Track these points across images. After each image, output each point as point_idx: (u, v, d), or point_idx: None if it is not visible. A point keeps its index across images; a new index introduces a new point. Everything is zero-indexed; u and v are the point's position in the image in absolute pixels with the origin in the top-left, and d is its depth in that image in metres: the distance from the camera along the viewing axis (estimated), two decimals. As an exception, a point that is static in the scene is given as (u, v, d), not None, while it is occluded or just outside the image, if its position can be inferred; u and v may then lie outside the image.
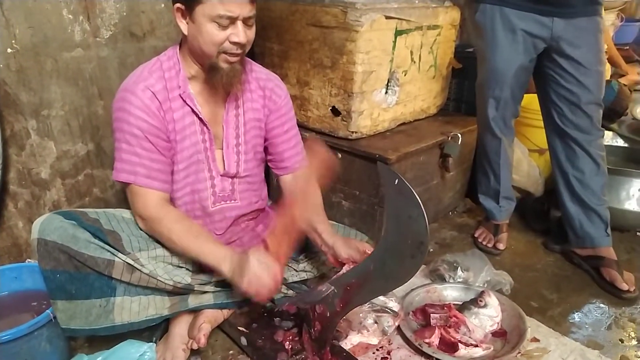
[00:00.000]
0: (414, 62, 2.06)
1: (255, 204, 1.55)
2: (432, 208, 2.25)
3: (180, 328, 1.41)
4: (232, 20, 1.18)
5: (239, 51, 1.24)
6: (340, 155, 1.96)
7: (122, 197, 1.92)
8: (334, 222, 1.64)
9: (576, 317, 1.68)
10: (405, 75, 2.04)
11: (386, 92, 1.99)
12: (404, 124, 2.18)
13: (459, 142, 2.08)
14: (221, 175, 1.43)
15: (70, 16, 1.62)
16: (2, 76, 1.53)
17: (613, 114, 2.58)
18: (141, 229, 1.33)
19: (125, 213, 1.38)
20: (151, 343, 1.36)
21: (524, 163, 2.42)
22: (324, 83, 1.93)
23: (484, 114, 1.97)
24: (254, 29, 1.26)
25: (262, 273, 1.17)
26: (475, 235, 2.16)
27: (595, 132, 1.86)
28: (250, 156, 1.47)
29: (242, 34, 1.20)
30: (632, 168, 2.27)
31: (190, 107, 1.32)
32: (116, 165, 1.30)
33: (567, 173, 1.92)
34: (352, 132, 1.93)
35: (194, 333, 1.43)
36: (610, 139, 2.69)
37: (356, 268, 1.17)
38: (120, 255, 1.22)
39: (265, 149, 1.54)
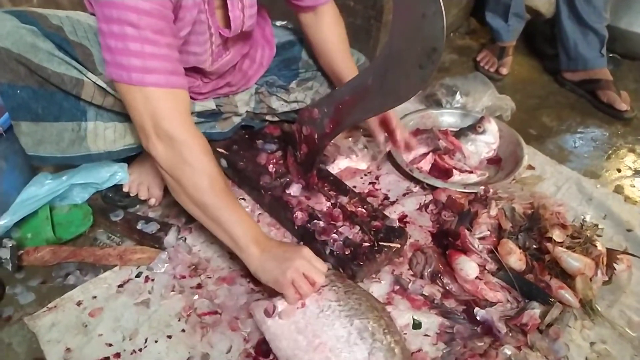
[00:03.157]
0: None
1: (245, 47, 1.28)
2: (433, 27, 2.01)
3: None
4: None
5: None
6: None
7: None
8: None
9: (576, 146, 1.60)
10: None
11: None
12: None
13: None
14: (220, 34, 1.12)
15: None
16: None
17: None
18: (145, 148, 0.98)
19: (92, 20, 1.05)
20: (122, 163, 1.25)
21: (540, -23, 2.13)
22: None
23: None
24: None
25: (310, 272, 0.93)
26: (478, 58, 1.99)
27: None
28: (253, 10, 1.15)
29: None
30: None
31: None
32: (119, 59, 0.89)
33: None
34: None
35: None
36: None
37: (351, 83, 1.01)
38: (90, 75, 1.01)
39: None
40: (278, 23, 1.65)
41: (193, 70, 1.18)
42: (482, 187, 1.26)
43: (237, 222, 0.97)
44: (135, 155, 1.31)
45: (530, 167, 1.45)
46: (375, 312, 0.93)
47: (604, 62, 1.80)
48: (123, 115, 1.11)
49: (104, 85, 1.03)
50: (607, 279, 1.09)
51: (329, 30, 1.28)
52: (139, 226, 1.16)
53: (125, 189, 1.26)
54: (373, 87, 0.92)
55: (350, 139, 1.48)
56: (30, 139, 1.03)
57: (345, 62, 1.31)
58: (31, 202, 1.12)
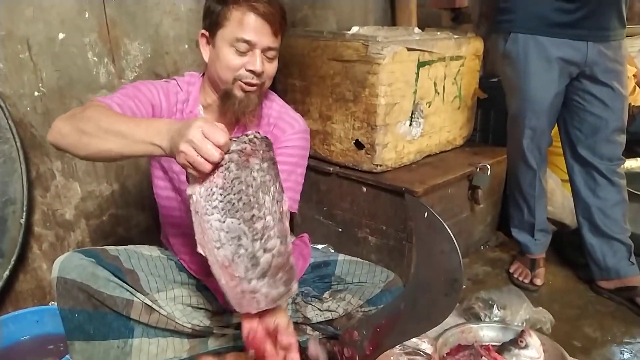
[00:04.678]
0: (438, 93, 2.02)
1: None
2: (463, 242, 2.16)
3: (205, 373, 1.35)
4: (251, 47, 1.16)
5: (255, 81, 1.19)
6: (365, 190, 1.91)
7: (146, 237, 1.91)
8: (359, 259, 1.59)
9: (624, 357, 1.55)
10: (429, 106, 2.00)
11: (410, 124, 1.95)
12: (429, 156, 2.13)
13: (489, 173, 2.01)
14: None
15: (95, 59, 1.65)
16: (28, 119, 1.56)
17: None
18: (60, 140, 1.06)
19: (145, 249, 1.33)
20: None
21: (558, 194, 2.32)
22: (346, 117, 1.91)
23: (518, 145, 1.91)
24: (275, 64, 1.24)
25: (204, 136, 0.84)
26: (511, 270, 2.06)
27: (617, 159, 1.83)
28: None
29: (258, 63, 1.17)
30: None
31: None
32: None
33: (588, 203, 1.86)
34: (377, 165, 1.89)
35: (219, 377, 1.38)
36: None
37: (386, 308, 1.10)
38: (139, 295, 1.19)
39: None
40: (319, 246, 1.85)
41: None
42: (533, 408, 1.22)
43: (141, 130, 0.95)
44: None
45: (582, 384, 1.41)
46: (255, 210, 0.86)
47: (636, 270, 1.83)
48: (167, 330, 1.25)
49: (150, 303, 1.18)
50: None
51: None
52: None
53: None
54: (405, 312, 1.01)
55: (392, 357, 1.49)
56: (81, 357, 1.15)
57: None
58: None
